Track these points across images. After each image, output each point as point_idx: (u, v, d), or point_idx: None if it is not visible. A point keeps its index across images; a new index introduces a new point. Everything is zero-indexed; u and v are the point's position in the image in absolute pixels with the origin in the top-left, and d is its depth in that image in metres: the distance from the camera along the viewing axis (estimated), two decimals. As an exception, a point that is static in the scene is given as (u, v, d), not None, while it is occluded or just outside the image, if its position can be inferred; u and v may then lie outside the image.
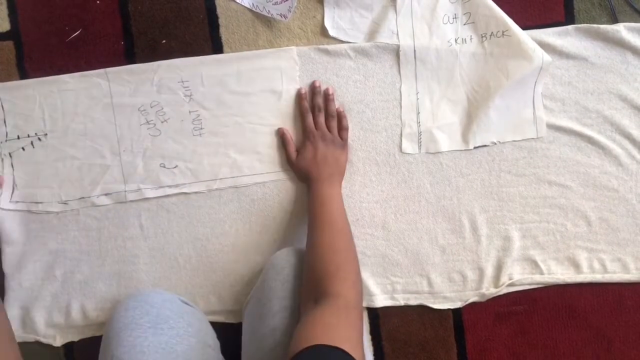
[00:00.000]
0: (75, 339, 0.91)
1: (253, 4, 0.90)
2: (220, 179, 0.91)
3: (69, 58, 0.91)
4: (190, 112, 0.90)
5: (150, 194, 0.91)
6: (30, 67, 0.91)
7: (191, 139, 0.91)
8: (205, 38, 0.91)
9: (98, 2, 0.91)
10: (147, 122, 0.90)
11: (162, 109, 0.90)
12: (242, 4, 0.90)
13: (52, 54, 0.91)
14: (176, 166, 0.91)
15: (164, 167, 0.90)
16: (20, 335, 0.91)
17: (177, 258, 0.92)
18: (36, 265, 0.91)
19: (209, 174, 0.91)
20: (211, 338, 0.83)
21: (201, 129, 0.91)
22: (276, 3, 0.89)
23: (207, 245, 0.92)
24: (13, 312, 0.91)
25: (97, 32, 0.91)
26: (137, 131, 0.90)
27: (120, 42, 0.91)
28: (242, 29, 0.91)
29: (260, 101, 0.90)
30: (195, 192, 0.91)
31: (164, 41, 0.91)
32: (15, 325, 0.91)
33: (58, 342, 0.91)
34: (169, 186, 0.91)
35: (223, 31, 0.91)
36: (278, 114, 0.91)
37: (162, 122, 0.90)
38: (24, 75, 0.91)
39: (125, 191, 0.91)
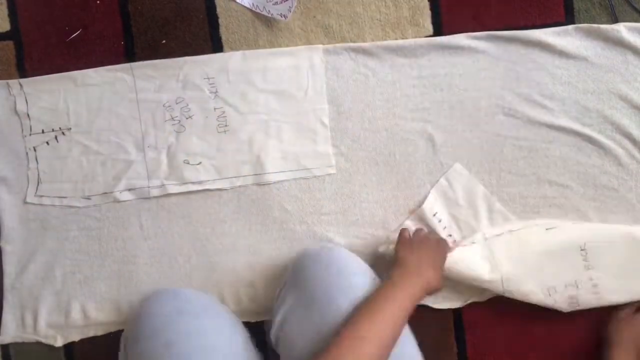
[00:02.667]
0: (76, 339, 0.91)
1: (253, 4, 0.90)
2: (244, 176, 0.91)
3: (69, 58, 0.91)
4: (215, 108, 0.90)
5: (173, 190, 0.91)
6: (30, 67, 0.91)
7: (216, 135, 0.91)
8: (205, 38, 0.91)
9: (98, 2, 0.91)
10: (172, 118, 0.90)
11: (187, 105, 0.90)
12: (242, 4, 0.90)
13: (52, 54, 0.91)
14: (200, 163, 0.91)
15: (188, 163, 0.90)
16: (20, 335, 0.91)
17: (177, 258, 0.92)
18: (36, 265, 0.91)
19: (233, 171, 0.91)
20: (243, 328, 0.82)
21: (226, 125, 0.91)
22: (276, 3, 0.89)
23: (207, 245, 0.91)
24: (13, 312, 0.91)
25: (97, 32, 0.91)
26: (161, 127, 0.91)
27: (120, 42, 0.91)
28: (242, 29, 0.91)
29: (285, 99, 0.90)
30: (219, 189, 0.91)
31: (164, 41, 0.91)
32: (15, 325, 0.91)
33: (59, 342, 0.91)
34: (193, 182, 0.91)
35: (223, 31, 0.91)
36: (303, 111, 0.91)
37: (186, 118, 0.90)
38: (23, 75, 0.91)
39: (149, 187, 0.91)
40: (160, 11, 0.91)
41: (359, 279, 0.75)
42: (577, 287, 0.86)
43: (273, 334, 0.76)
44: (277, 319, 0.75)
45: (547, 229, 0.87)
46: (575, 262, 0.86)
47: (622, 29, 0.89)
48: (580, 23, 0.90)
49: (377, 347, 0.64)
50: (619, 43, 0.89)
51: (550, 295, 0.86)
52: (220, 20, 0.91)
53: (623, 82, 0.90)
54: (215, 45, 0.91)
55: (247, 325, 0.91)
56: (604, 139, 0.90)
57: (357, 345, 0.63)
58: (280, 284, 0.80)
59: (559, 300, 0.86)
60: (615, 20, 0.90)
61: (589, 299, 0.87)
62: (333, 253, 0.79)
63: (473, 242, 0.87)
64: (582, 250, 0.86)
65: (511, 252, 0.86)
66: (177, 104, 0.91)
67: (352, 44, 0.90)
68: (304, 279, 0.75)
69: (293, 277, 0.77)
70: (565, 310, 0.87)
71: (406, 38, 0.91)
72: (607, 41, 0.89)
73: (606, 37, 0.89)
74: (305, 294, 0.74)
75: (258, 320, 0.91)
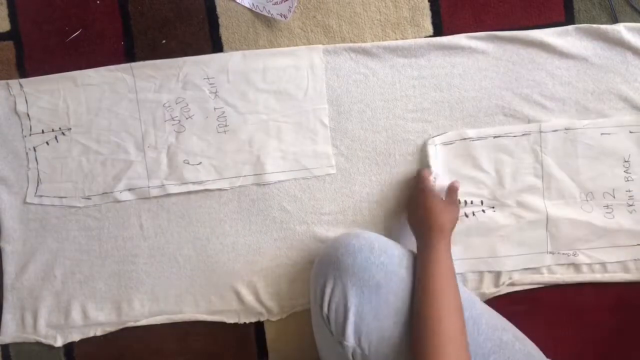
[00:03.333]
0: (76, 339, 0.91)
1: (253, 4, 0.90)
2: (244, 176, 0.91)
3: (69, 58, 0.91)
4: (215, 108, 0.90)
5: (173, 190, 0.91)
6: (30, 67, 0.91)
7: (216, 135, 0.91)
8: (205, 38, 0.91)
9: (98, 2, 0.91)
10: (172, 118, 0.90)
11: (187, 105, 0.90)
12: (242, 4, 0.90)
13: (52, 54, 0.91)
14: (200, 163, 0.91)
15: (188, 163, 0.91)
16: (20, 335, 0.91)
17: (177, 258, 0.92)
18: (36, 265, 0.91)
19: (233, 171, 0.91)
20: None
21: (226, 125, 0.91)
22: (276, 3, 0.89)
23: (207, 245, 0.91)
24: (13, 312, 0.91)
25: (97, 32, 0.91)
26: (161, 127, 0.91)
27: (120, 42, 0.91)
28: (242, 29, 0.91)
29: (285, 99, 0.90)
30: (219, 189, 0.91)
31: (164, 41, 0.91)
32: (15, 325, 0.91)
33: (58, 342, 0.91)
34: (193, 183, 0.91)
35: (223, 31, 0.91)
36: (303, 111, 0.91)
37: (186, 118, 0.90)
38: (23, 75, 0.91)
39: (149, 187, 0.91)
40: (160, 11, 0.91)
41: (395, 250, 0.77)
42: (614, 197, 0.89)
43: (352, 335, 0.72)
44: (351, 319, 0.72)
45: (602, 134, 0.89)
46: (617, 171, 0.89)
47: (622, 29, 0.89)
48: (580, 23, 0.90)
49: (457, 316, 0.70)
50: (619, 43, 0.89)
51: (587, 200, 0.89)
52: (220, 20, 0.91)
53: (623, 82, 0.90)
54: (215, 45, 0.91)
55: (247, 325, 0.92)
56: (604, 139, 0.90)
57: (442, 330, 0.67)
58: (317, 292, 0.76)
59: (595, 208, 0.89)
60: (615, 20, 0.90)
61: (623, 214, 0.89)
62: (361, 236, 0.78)
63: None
64: (625, 161, 0.88)
65: (558, 151, 0.89)
66: (177, 104, 0.91)
67: (352, 44, 0.90)
68: (356, 270, 0.73)
69: (342, 275, 0.74)
70: (598, 225, 0.89)
71: (406, 38, 0.91)
72: (607, 41, 0.89)
73: (606, 37, 0.89)
74: (368, 284, 0.72)
75: (259, 320, 0.91)
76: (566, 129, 0.89)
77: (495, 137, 0.90)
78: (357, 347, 0.71)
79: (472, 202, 0.90)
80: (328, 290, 0.74)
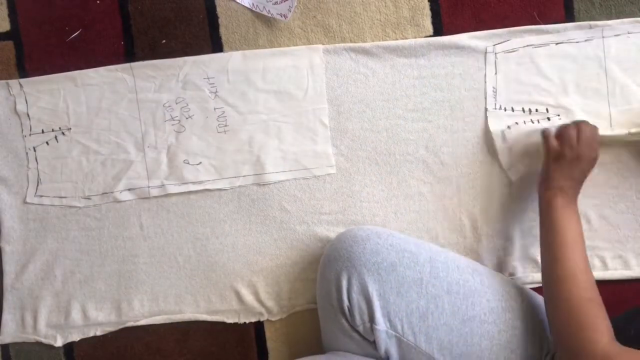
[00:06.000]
0: (76, 339, 0.91)
1: (253, 3, 0.90)
2: (244, 176, 0.91)
3: (69, 58, 0.91)
4: (215, 108, 0.90)
5: (173, 190, 0.91)
6: (30, 67, 0.91)
7: (216, 135, 0.91)
8: (205, 38, 0.91)
9: (98, 2, 0.91)
10: (172, 118, 0.90)
11: (187, 105, 0.90)
12: (242, 3, 0.90)
13: (52, 54, 0.91)
14: (200, 163, 0.91)
15: (188, 163, 0.91)
16: (20, 335, 0.91)
17: (177, 258, 0.92)
18: (36, 265, 0.91)
19: (233, 171, 0.91)
20: None
21: (226, 125, 0.91)
22: (276, 3, 0.89)
23: (207, 245, 0.91)
24: (13, 312, 0.91)
25: (97, 32, 0.91)
26: (161, 127, 0.91)
27: (120, 42, 0.91)
28: (242, 29, 0.91)
29: (285, 98, 0.91)
30: (219, 189, 0.91)
31: (164, 41, 0.91)
32: (15, 325, 0.91)
33: (58, 342, 0.91)
34: (193, 182, 0.91)
35: (223, 31, 0.91)
36: (303, 111, 0.91)
37: (186, 118, 0.91)
38: (24, 75, 0.91)
39: (149, 187, 0.91)
40: (160, 11, 0.91)
41: (400, 234, 0.80)
42: None
43: (381, 318, 0.73)
44: (376, 303, 0.73)
45: None
46: None
47: (621, 27, 0.89)
48: (580, 22, 0.90)
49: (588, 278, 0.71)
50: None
51: None
52: (220, 20, 0.91)
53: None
54: (215, 45, 0.91)
55: (247, 325, 0.91)
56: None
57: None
58: (332, 289, 0.76)
59: None
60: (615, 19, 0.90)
61: None
62: (365, 228, 0.80)
63: None
64: None
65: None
66: (177, 104, 0.91)
67: (352, 44, 0.91)
68: (368, 255, 0.75)
69: (356, 264, 0.74)
70: None
71: (406, 38, 0.91)
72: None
73: (605, 36, 0.89)
74: (383, 266, 0.74)
75: (259, 320, 0.91)
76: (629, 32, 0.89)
77: (557, 43, 0.90)
78: (390, 329, 0.73)
79: (537, 110, 0.90)
80: (344, 283, 0.74)
